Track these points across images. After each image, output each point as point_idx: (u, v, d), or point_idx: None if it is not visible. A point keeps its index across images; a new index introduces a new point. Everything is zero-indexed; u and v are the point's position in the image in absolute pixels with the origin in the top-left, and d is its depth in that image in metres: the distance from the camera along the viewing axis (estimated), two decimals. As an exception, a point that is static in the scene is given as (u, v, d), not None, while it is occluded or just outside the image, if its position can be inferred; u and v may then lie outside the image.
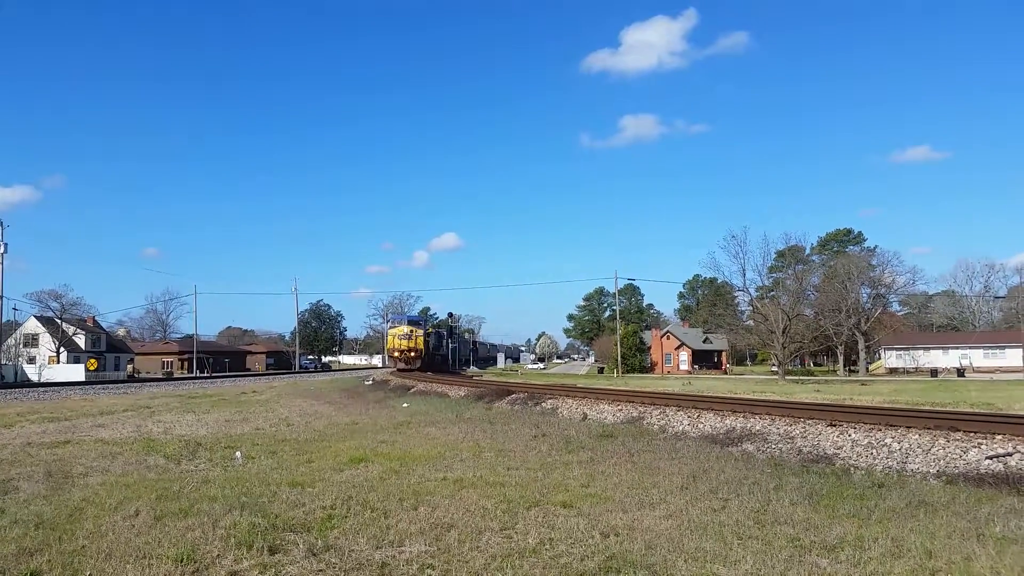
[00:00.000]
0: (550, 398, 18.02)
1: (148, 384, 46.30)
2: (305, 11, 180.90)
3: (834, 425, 10.83)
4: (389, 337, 56.54)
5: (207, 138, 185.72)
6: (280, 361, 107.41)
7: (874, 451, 9.26)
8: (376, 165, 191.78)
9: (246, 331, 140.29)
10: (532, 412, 16.42)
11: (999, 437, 8.92)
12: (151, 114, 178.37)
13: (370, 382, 38.30)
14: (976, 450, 8.48)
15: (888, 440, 9.47)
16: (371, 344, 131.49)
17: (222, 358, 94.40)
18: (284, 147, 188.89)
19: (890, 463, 8.75)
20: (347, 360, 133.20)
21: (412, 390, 27.56)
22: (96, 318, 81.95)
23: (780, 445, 10.36)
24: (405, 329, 54.03)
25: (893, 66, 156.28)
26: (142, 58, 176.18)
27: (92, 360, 64.96)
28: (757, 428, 11.45)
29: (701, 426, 12.42)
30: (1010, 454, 8.06)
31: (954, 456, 8.47)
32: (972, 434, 9.29)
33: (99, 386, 41.51)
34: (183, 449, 11.77)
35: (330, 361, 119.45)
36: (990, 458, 8.08)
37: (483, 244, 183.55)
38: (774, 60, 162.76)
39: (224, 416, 19.00)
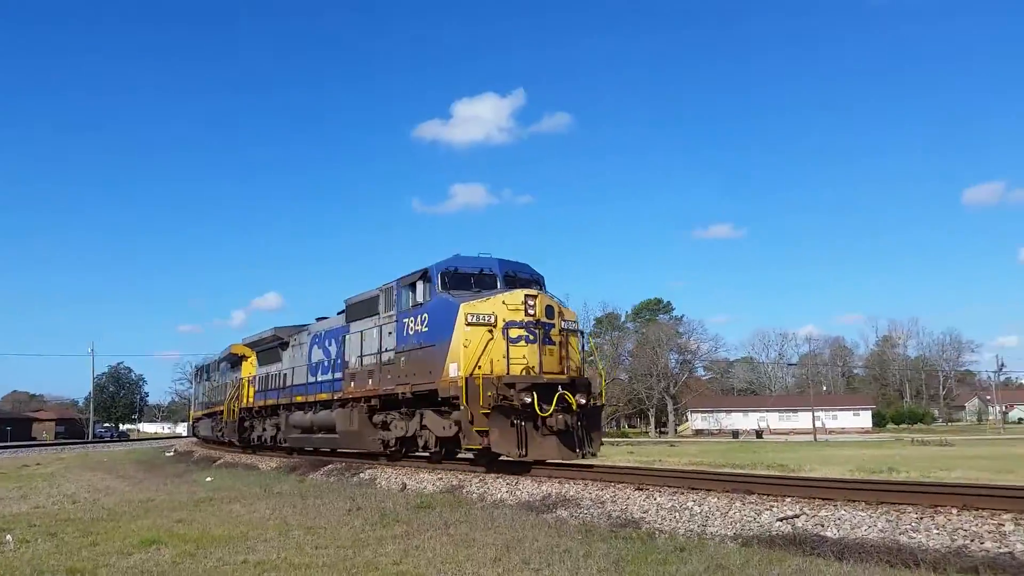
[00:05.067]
0: (368, 468, 17.50)
1: (-94, 459, 40.58)
2: (115, 61, 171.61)
3: (641, 489, 11.19)
4: (458, 331, 14.26)
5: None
6: (72, 429, 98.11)
7: (677, 514, 9.62)
8: (195, 221, 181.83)
9: (34, 396, 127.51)
10: (348, 484, 15.84)
11: (788, 499, 9.55)
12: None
13: (171, 453, 35.60)
14: (768, 512, 9.00)
15: (690, 504, 9.87)
16: (176, 411, 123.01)
17: (3, 426, 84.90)
18: (91, 196, 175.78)
19: (692, 526, 9.11)
20: (148, 428, 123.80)
21: (218, 462, 25.83)
22: None
23: (592, 510, 10.55)
24: (528, 300, 14.46)
25: (696, 148, 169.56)
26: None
27: None
28: (571, 493, 11.61)
29: (519, 493, 12.44)
30: (797, 516, 8.63)
31: (749, 518, 8.94)
32: (765, 496, 9.88)
33: None
34: (-61, 537, 10.29)
35: (129, 429, 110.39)
36: (780, 520, 8.61)
37: (306, 306, 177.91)
38: (593, 139, 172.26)
39: (-3, 495, 16.92)
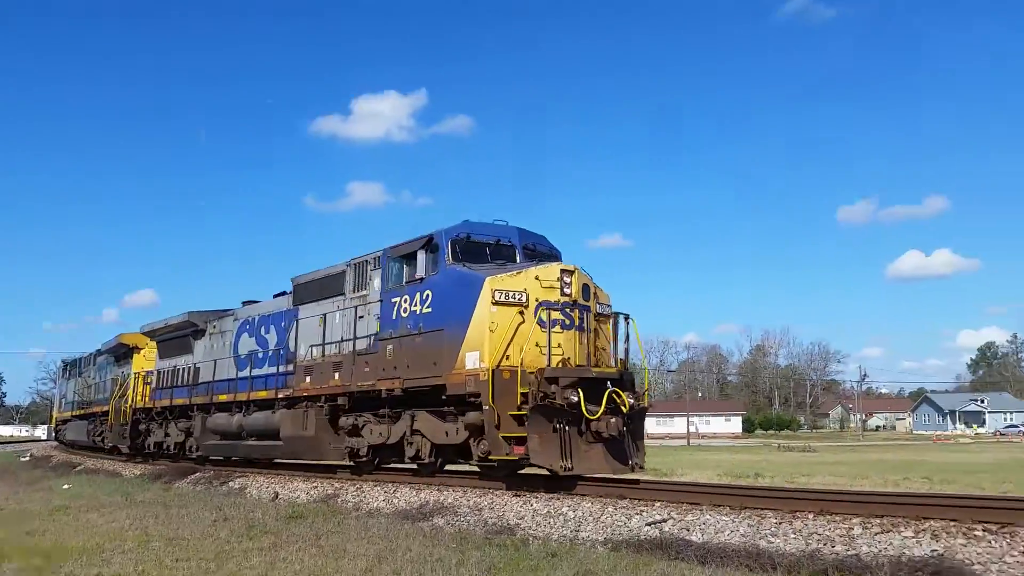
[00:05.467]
0: (240, 476, 16.90)
1: None
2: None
3: (519, 495, 11.26)
4: (481, 311, 11.84)
5: None
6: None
7: (552, 520, 9.73)
8: (63, 215, 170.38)
9: None
10: (217, 493, 15.26)
11: (658, 504, 9.83)
12: None
13: (27, 457, 33.40)
14: (638, 517, 9.23)
15: (564, 509, 10.01)
16: (36, 412, 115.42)
17: None
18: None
19: (565, 532, 9.24)
20: (4, 431, 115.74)
21: (78, 468, 24.40)
22: None
23: (469, 517, 10.54)
24: (564, 276, 12.23)
25: (589, 157, 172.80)
26: None
27: None
28: (449, 501, 11.56)
29: (396, 501, 12.31)
30: (665, 520, 8.88)
31: (620, 523, 9.14)
32: (636, 501, 10.14)
33: None
34: None
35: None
36: (649, 524, 8.84)
37: (188, 302, 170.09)
38: (493, 144, 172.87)
39: None
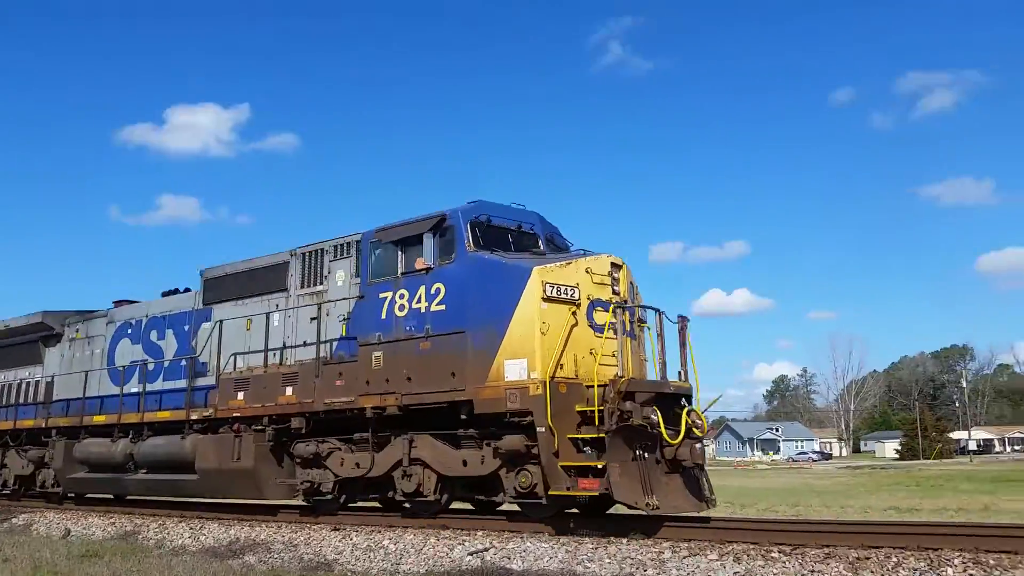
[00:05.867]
0: (24, 512, 15.33)
1: None
2: None
3: (338, 529, 10.90)
4: (528, 308, 9.54)
5: None
6: None
7: (372, 554, 9.50)
8: None
9: None
10: (-4, 531, 13.73)
11: (480, 533, 9.82)
12: None
13: None
14: (461, 547, 9.18)
15: (386, 542, 9.79)
16: None
17: None
18: None
19: (385, 565, 9.04)
20: None
21: None
22: None
23: (283, 554, 10.09)
24: (614, 270, 10.45)
25: (421, 180, 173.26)
26: None
27: None
28: (262, 537, 11.02)
29: (203, 538, 11.59)
30: (487, 549, 8.90)
31: (442, 554, 9.06)
32: (459, 531, 10.07)
33: None
34: None
35: None
36: (471, 554, 8.82)
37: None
38: (319, 163, 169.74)
39: None
